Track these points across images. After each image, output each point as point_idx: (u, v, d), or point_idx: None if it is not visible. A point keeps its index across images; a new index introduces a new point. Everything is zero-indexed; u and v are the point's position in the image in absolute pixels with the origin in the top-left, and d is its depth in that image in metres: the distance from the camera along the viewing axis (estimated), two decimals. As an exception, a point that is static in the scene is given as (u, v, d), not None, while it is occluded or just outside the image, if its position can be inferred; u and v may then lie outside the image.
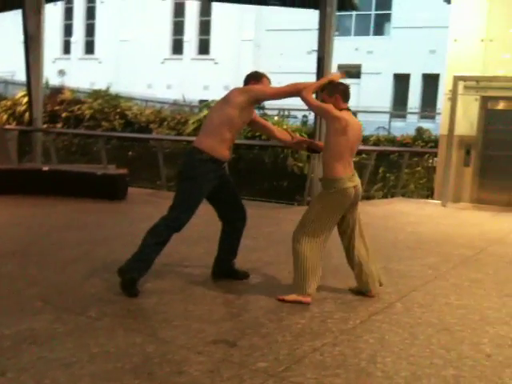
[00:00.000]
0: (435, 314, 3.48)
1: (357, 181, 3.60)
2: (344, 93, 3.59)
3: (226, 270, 3.98)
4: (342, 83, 3.70)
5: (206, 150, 3.61)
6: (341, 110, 3.52)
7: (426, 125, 18.00)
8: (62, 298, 3.38)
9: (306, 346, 2.84)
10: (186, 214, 3.61)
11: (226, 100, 3.68)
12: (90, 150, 13.59)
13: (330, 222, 3.57)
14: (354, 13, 25.40)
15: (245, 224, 3.96)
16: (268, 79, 3.87)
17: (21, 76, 18.29)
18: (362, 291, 3.75)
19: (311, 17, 22.95)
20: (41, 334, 2.83)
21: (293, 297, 3.52)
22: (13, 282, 3.66)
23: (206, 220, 4.43)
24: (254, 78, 3.83)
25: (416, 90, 26.14)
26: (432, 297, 3.86)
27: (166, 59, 32.25)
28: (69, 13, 34.52)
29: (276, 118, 18.89)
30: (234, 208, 3.90)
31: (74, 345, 2.71)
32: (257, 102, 3.81)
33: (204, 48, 31.81)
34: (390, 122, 21.74)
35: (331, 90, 3.59)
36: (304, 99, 3.55)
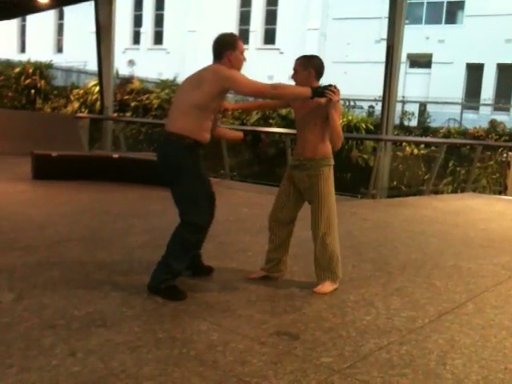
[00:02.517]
0: (509, 317, 3.30)
1: None
2: (319, 67, 3.46)
3: (197, 267, 3.66)
4: (316, 56, 3.54)
5: (187, 134, 3.19)
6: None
7: (500, 117, 17.23)
8: (129, 282, 3.46)
9: (372, 343, 2.76)
10: (200, 212, 3.24)
11: (198, 81, 3.22)
12: (157, 138, 13.92)
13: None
14: (425, 0, 24.57)
15: (212, 219, 3.53)
16: (242, 44, 3.33)
17: (92, 66, 18.95)
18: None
19: (378, 5, 22.36)
20: (109, 316, 2.90)
21: (329, 286, 3.52)
22: (82, 266, 3.78)
23: (268, 211, 4.39)
24: (230, 46, 3.26)
25: (490, 81, 24.98)
26: (505, 298, 3.67)
27: (231, 49, 32.43)
28: (139, 4, 35.35)
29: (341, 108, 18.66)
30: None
31: (141, 329, 2.77)
32: (229, 91, 3.30)
33: (270, 38, 31.74)
34: (461, 113, 20.91)
35: (305, 64, 3.44)
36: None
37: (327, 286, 3.52)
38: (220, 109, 3.45)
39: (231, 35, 3.34)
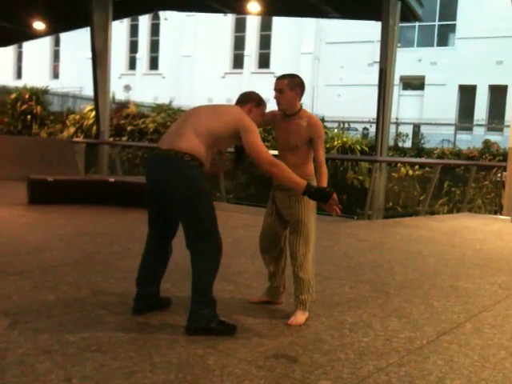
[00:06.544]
0: (507, 336, 3.28)
1: None
2: (303, 88, 3.39)
3: (155, 301, 3.43)
4: (298, 75, 3.43)
5: (198, 156, 3.00)
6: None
7: (493, 137, 17.38)
8: (125, 306, 3.43)
9: (371, 365, 2.74)
10: (217, 229, 3.17)
11: (220, 111, 3.16)
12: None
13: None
14: (417, 24, 24.96)
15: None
16: (265, 109, 3.38)
17: (88, 91, 19.07)
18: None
19: (371, 29, 22.74)
20: (104, 341, 2.87)
21: (302, 316, 3.33)
22: (77, 290, 3.76)
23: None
24: (256, 101, 3.30)
25: (483, 102, 25.27)
26: (503, 317, 3.65)
27: (226, 73, 32.79)
28: (134, 30, 35.80)
29: (336, 130, 18.81)
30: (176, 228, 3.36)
31: (137, 354, 2.74)
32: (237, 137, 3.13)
33: (264, 62, 32.12)
34: (455, 134, 21.09)
35: (293, 84, 3.32)
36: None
37: (301, 316, 3.34)
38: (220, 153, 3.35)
39: (261, 97, 3.36)
